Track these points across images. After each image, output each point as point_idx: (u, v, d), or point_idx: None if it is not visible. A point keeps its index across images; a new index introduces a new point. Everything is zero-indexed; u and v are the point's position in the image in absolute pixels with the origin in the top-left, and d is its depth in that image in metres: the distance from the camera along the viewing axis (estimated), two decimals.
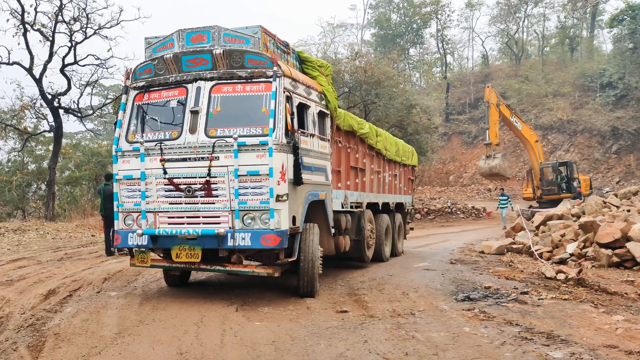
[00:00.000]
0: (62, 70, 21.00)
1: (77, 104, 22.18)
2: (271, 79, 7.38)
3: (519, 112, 42.87)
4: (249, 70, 7.49)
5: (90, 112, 23.46)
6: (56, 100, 21.35)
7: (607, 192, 25.95)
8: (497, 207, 24.15)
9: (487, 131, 26.54)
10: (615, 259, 10.30)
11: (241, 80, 7.52)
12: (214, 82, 7.58)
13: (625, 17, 41.72)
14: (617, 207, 15.44)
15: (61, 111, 21.69)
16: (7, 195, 24.78)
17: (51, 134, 23.19)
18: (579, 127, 43.40)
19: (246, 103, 7.50)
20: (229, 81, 7.55)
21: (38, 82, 20.74)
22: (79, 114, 22.34)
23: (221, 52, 7.45)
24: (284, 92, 7.46)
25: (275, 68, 7.39)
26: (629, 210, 14.27)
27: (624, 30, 42.06)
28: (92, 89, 22.77)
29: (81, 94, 22.26)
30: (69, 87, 21.31)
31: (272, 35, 7.99)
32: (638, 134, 40.88)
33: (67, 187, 28.63)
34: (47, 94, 21.06)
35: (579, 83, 46.50)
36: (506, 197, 23.39)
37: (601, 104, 43.34)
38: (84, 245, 14.94)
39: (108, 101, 25.64)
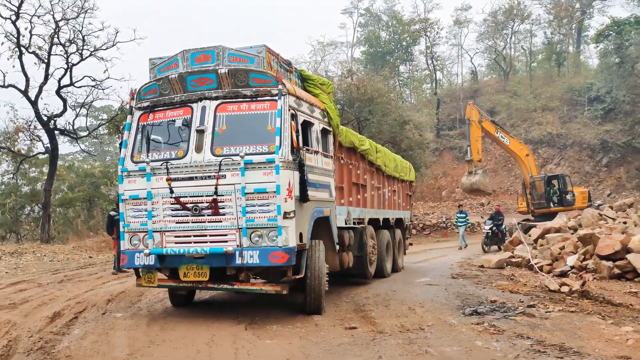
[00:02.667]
0: (57, 92, 21.02)
1: (73, 125, 22.17)
2: (276, 97, 7.45)
3: (509, 127, 43.23)
4: (254, 89, 7.55)
5: (86, 132, 23.42)
6: (52, 122, 21.33)
7: (599, 205, 26.05)
8: (455, 224, 23.33)
9: (469, 148, 26.66)
10: (616, 271, 10.38)
11: (246, 99, 7.58)
12: (219, 101, 7.63)
13: (610, 32, 42.33)
14: (613, 219, 15.58)
15: (56, 132, 21.65)
16: (1, 218, 24.57)
17: (45, 156, 23.11)
18: (569, 140, 43.77)
19: (252, 121, 7.55)
20: (234, 100, 7.60)
21: (33, 104, 20.73)
22: (75, 135, 22.31)
23: (226, 71, 7.52)
24: (289, 110, 7.53)
25: (280, 86, 7.47)
26: (625, 222, 14.40)
27: (609, 46, 42.62)
28: (87, 110, 22.75)
29: (76, 115, 22.15)
30: (65, 109, 21.31)
31: (275, 55, 8.08)
32: (627, 146, 41.27)
33: (60, 208, 28.44)
34: (42, 115, 21.04)
35: (567, 97, 47.00)
36: (464, 215, 22.32)
37: (590, 118, 43.79)
38: (83, 267, 14.82)
39: (102, 122, 25.60)
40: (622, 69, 41.09)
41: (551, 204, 26.84)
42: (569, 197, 26.86)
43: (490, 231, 18.85)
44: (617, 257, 10.70)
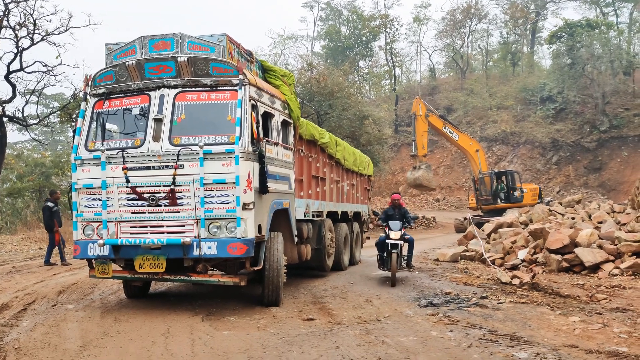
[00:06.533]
0: (6, 77, 20.14)
1: (22, 113, 21.30)
2: (237, 87, 7.37)
3: (465, 125, 44.21)
4: (214, 79, 7.45)
5: (36, 120, 22.59)
6: (0, 108, 20.45)
7: (548, 201, 26.67)
8: None
9: (414, 142, 26.86)
10: (564, 264, 10.76)
11: (206, 88, 7.48)
12: (178, 90, 7.50)
13: (563, 34, 43.76)
14: (562, 214, 16.14)
15: (5, 120, 20.79)
16: None
17: None
18: (522, 138, 45.02)
19: (211, 111, 7.45)
20: (193, 89, 7.49)
21: None
22: (24, 123, 21.48)
23: (186, 59, 7.39)
24: (250, 100, 7.47)
25: (241, 76, 7.40)
26: (573, 218, 14.93)
27: (562, 47, 44.07)
28: (38, 97, 21.94)
29: (26, 102, 21.26)
30: (14, 95, 20.44)
31: (236, 44, 7.99)
32: (576, 145, 42.80)
33: (8, 198, 27.41)
34: None
35: (520, 97, 48.29)
36: None
37: (542, 117, 45.12)
38: (32, 259, 14.35)
39: (54, 110, 24.77)
40: (574, 70, 42.57)
41: (498, 200, 27.07)
42: (517, 193, 27.01)
43: (400, 242, 10.14)
44: (565, 250, 11.09)
